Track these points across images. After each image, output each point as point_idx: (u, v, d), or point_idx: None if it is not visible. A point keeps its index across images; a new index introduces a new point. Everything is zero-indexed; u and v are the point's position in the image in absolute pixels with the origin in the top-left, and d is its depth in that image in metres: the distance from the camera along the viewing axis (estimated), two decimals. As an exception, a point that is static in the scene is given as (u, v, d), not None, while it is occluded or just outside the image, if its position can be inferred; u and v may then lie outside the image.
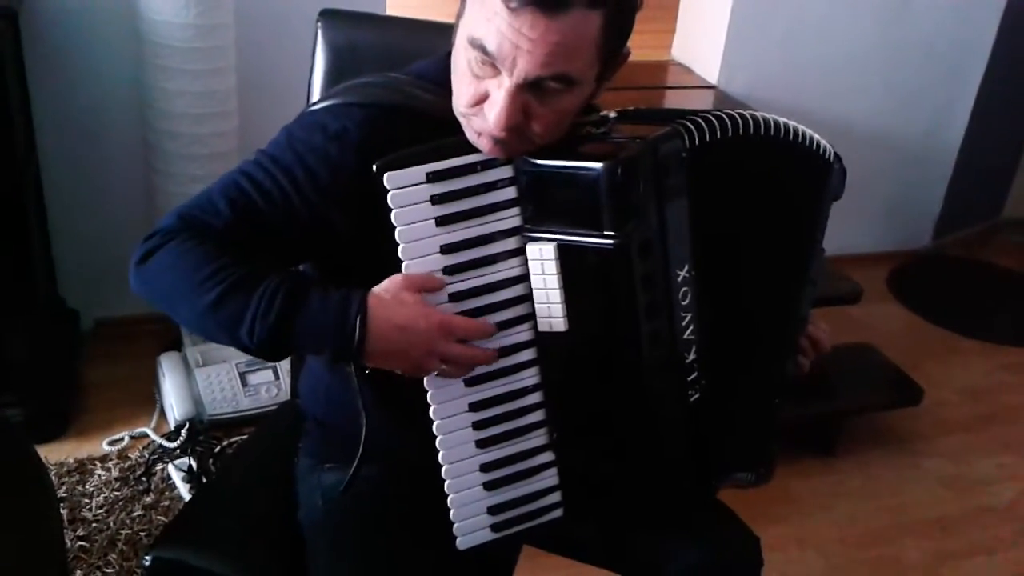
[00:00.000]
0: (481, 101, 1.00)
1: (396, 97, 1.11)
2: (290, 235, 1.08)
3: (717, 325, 1.11)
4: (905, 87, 3.25)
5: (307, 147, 1.08)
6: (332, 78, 1.44)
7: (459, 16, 1.02)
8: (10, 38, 2.01)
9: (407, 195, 1.02)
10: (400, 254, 1.03)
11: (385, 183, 1.01)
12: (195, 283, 1.01)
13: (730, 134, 1.06)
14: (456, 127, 1.05)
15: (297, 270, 1.08)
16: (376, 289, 1.02)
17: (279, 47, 2.29)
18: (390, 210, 1.01)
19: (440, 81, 1.05)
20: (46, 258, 2.35)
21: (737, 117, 1.07)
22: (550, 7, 0.93)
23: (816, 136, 1.15)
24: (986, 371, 2.96)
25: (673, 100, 3.08)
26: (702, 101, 2.95)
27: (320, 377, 1.28)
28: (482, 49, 0.96)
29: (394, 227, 1.02)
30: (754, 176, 1.11)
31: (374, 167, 1.01)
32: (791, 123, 1.12)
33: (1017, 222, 3.86)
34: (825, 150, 1.16)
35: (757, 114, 1.09)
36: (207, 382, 2.30)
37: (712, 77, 3.02)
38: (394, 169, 1.01)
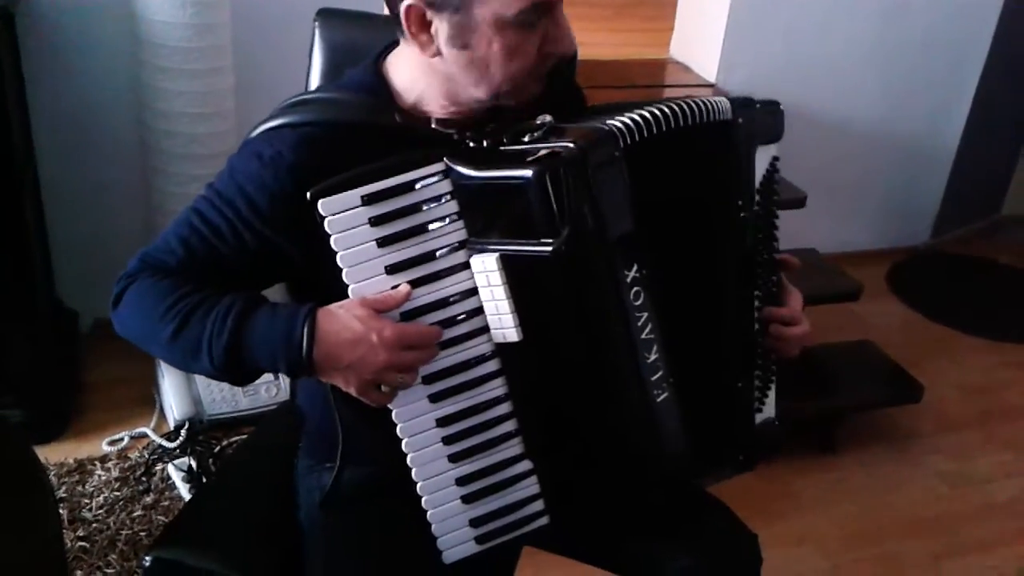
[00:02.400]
0: (535, 62, 1.04)
1: (330, 113, 1.10)
2: (244, 265, 1.08)
3: (680, 320, 1.08)
4: (904, 84, 3.24)
5: (245, 177, 1.07)
6: (330, 77, 1.43)
7: (460, 26, 1.01)
8: (6, 38, 2.00)
9: (344, 220, 1.01)
10: (344, 278, 1.02)
11: (320, 210, 1.00)
12: (156, 318, 1.04)
13: (663, 128, 1.04)
14: (396, 136, 1.04)
15: (252, 292, 1.07)
16: (331, 305, 1.02)
17: (276, 47, 2.28)
18: (329, 236, 1.01)
19: (375, 90, 1.03)
20: (44, 259, 2.35)
21: (677, 108, 1.06)
22: None
23: (709, 100, 1.10)
24: (986, 368, 2.96)
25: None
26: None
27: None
28: (534, 7, 1.00)
29: (335, 252, 1.01)
30: (691, 162, 1.10)
31: (308, 195, 1.00)
32: (701, 100, 1.09)
33: (1016, 219, 3.85)
34: (720, 110, 1.11)
35: (691, 101, 1.07)
36: (206, 382, 2.29)
37: (710, 75, 3.01)
38: (327, 195, 1.00)
